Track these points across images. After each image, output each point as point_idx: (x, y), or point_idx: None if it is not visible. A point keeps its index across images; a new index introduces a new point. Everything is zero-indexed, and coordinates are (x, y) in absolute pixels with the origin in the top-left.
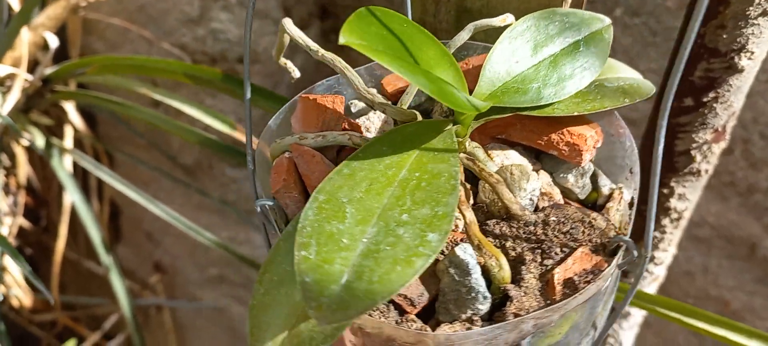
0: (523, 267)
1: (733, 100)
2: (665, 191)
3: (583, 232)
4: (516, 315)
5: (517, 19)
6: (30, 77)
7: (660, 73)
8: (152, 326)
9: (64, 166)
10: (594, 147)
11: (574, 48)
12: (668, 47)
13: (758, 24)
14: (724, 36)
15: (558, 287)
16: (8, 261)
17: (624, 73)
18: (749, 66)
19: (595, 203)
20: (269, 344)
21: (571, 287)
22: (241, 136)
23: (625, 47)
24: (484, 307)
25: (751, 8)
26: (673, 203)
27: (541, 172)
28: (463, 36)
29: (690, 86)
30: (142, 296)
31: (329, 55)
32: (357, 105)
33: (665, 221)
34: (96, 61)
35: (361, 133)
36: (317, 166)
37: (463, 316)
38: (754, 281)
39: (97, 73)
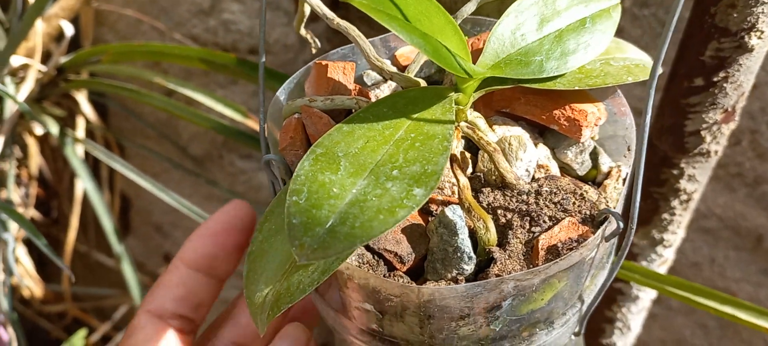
0: (510, 232)
1: (742, 80)
2: (675, 172)
3: (574, 203)
4: (497, 276)
5: None
6: (44, 68)
7: (669, 63)
8: None
9: (76, 153)
10: (595, 124)
11: (580, 24)
12: (677, 38)
13: None
14: (735, 15)
15: (541, 253)
16: (20, 252)
17: (631, 53)
18: (759, 45)
19: (595, 180)
20: (262, 286)
21: (554, 253)
22: (253, 125)
23: (634, 38)
24: (469, 267)
25: None
26: (683, 184)
27: (541, 145)
28: (470, 7)
29: (701, 66)
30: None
31: (344, 24)
32: (372, 77)
33: (675, 203)
34: (111, 49)
35: (369, 99)
36: (324, 127)
37: (449, 275)
38: (760, 273)
39: (112, 61)
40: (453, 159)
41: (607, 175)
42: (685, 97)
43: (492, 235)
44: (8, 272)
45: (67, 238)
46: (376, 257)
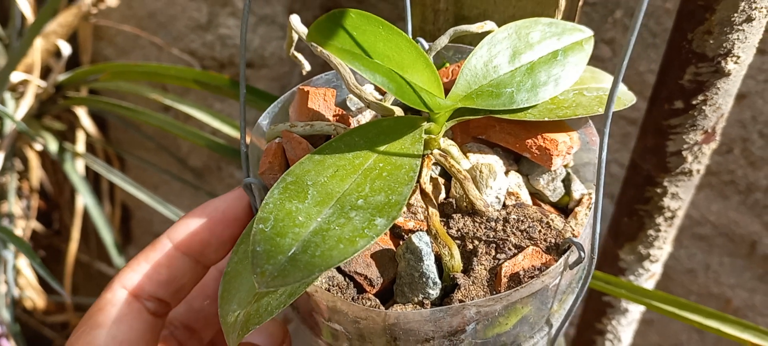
0: (475, 259)
1: (721, 103)
2: (659, 190)
3: (540, 231)
4: (460, 301)
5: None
6: (43, 84)
7: (650, 86)
8: None
9: (76, 169)
10: (566, 153)
11: (552, 57)
12: (658, 62)
13: (743, 30)
14: (711, 41)
15: (504, 280)
16: (22, 264)
17: (607, 83)
18: (736, 70)
19: (567, 206)
20: (234, 307)
21: (516, 280)
22: (249, 140)
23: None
24: (435, 292)
25: (735, 15)
26: (667, 201)
27: (512, 173)
28: (443, 40)
29: (680, 89)
30: None
31: (326, 52)
32: (355, 102)
33: (659, 220)
34: (108, 68)
35: (349, 125)
36: (303, 152)
37: (416, 299)
38: (754, 279)
39: (109, 80)
40: (422, 187)
41: (579, 202)
42: (666, 119)
43: (456, 261)
44: (9, 285)
45: (68, 249)
46: (346, 280)
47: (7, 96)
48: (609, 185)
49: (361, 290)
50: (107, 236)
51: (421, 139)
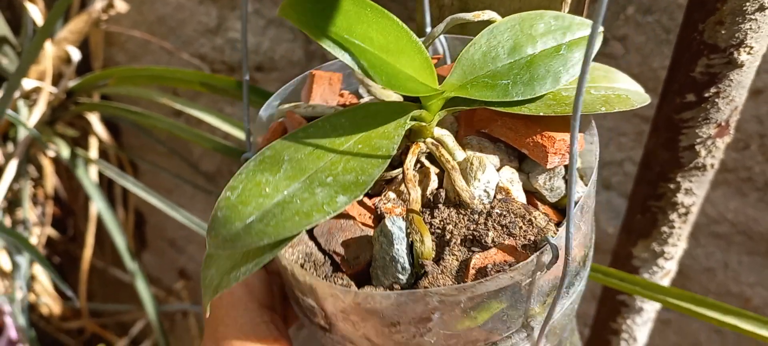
0: (447, 249)
1: (734, 95)
2: (672, 186)
3: (520, 228)
4: (425, 288)
5: None
6: (54, 90)
7: (661, 80)
8: (178, 331)
9: (89, 176)
10: (564, 153)
11: (555, 51)
12: (669, 54)
13: (755, 19)
14: (723, 32)
15: (472, 272)
16: (37, 270)
17: (622, 83)
18: (749, 60)
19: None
20: (213, 271)
21: (483, 273)
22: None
23: (638, 45)
24: (404, 277)
25: (747, 4)
26: (680, 197)
27: (506, 168)
28: (440, 28)
29: (692, 82)
30: (167, 303)
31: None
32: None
33: (673, 216)
34: (117, 73)
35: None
36: None
37: (387, 283)
38: None
39: (118, 84)
40: (405, 173)
41: (577, 203)
42: (678, 113)
43: (426, 249)
44: (24, 291)
45: (83, 255)
46: (326, 258)
47: (20, 103)
48: (623, 183)
49: (338, 269)
50: (120, 241)
51: (405, 124)
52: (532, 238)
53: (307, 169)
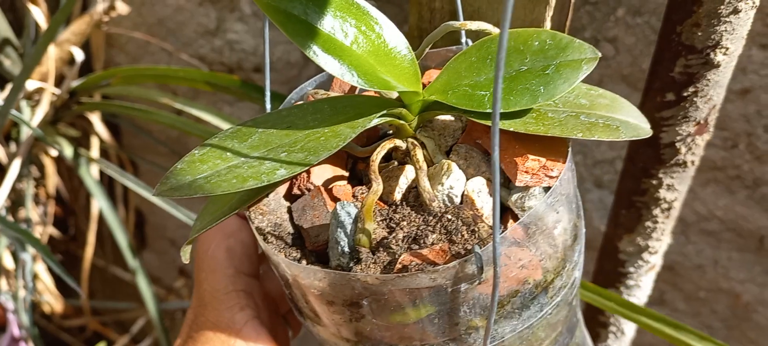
0: (387, 242)
1: (712, 94)
2: (654, 182)
3: (462, 235)
4: (353, 273)
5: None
6: (57, 91)
7: (643, 79)
8: (178, 328)
9: (91, 174)
10: (542, 173)
11: (542, 70)
12: (649, 54)
13: (730, 22)
14: (700, 33)
15: (398, 266)
16: (39, 268)
17: (620, 114)
18: (725, 61)
19: None
20: (198, 224)
21: (405, 269)
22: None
23: (628, 46)
24: (345, 260)
25: (722, 7)
26: (663, 193)
27: (478, 177)
28: (433, 35)
29: (671, 81)
30: (167, 300)
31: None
32: None
33: (656, 211)
34: (119, 72)
35: None
36: None
37: (334, 263)
38: (764, 273)
39: (120, 84)
40: (371, 165)
41: (520, 220)
42: (659, 110)
43: (364, 238)
44: (28, 289)
45: (84, 253)
46: (294, 230)
47: (23, 104)
48: (615, 182)
49: (301, 243)
50: (122, 239)
51: (372, 119)
52: (470, 246)
53: (271, 143)
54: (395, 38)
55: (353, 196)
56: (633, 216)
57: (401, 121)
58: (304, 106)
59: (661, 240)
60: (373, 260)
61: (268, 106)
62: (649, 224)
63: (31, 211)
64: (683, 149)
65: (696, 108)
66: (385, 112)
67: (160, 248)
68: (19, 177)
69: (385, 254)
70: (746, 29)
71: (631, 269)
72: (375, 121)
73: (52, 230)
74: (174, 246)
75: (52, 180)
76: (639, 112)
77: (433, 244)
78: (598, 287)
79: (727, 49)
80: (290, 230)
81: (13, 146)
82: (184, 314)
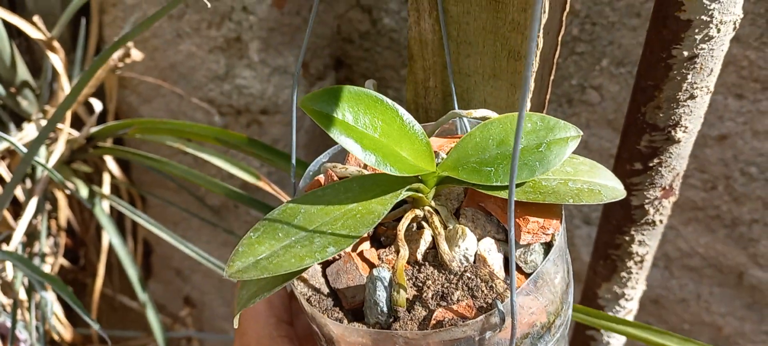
0: (420, 301)
1: (675, 165)
2: (627, 238)
3: (482, 291)
4: (394, 330)
5: (488, 105)
6: (75, 133)
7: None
8: None
9: (104, 211)
10: (541, 233)
11: (535, 147)
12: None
13: (687, 105)
14: (661, 115)
15: (433, 322)
16: (48, 296)
17: (600, 179)
18: (685, 137)
19: None
20: (244, 293)
21: (440, 325)
22: (265, 186)
23: (613, 94)
24: (383, 318)
25: (679, 93)
26: (635, 248)
27: (486, 238)
28: (442, 120)
29: (638, 153)
30: (173, 329)
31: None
32: None
33: (630, 263)
34: (137, 123)
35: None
36: None
37: (372, 321)
38: (743, 307)
39: (138, 133)
40: (398, 234)
41: (530, 275)
42: (629, 177)
43: (401, 298)
44: (40, 320)
45: (94, 283)
46: (330, 293)
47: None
48: None
49: (340, 304)
50: (132, 272)
51: (399, 195)
52: (490, 300)
53: (314, 222)
54: (412, 126)
55: (379, 258)
56: (609, 267)
57: (419, 194)
58: (336, 185)
59: (635, 288)
60: (409, 318)
61: (293, 179)
62: (624, 274)
63: (44, 242)
64: (651, 211)
65: (661, 176)
66: (407, 187)
67: (165, 278)
68: (35, 213)
69: (421, 311)
70: (703, 110)
71: (610, 314)
72: (402, 196)
73: (62, 261)
74: (180, 276)
75: (64, 213)
76: (614, 176)
77: (458, 300)
78: (587, 307)
79: (687, 127)
80: (326, 291)
81: (28, 183)
82: (188, 343)
